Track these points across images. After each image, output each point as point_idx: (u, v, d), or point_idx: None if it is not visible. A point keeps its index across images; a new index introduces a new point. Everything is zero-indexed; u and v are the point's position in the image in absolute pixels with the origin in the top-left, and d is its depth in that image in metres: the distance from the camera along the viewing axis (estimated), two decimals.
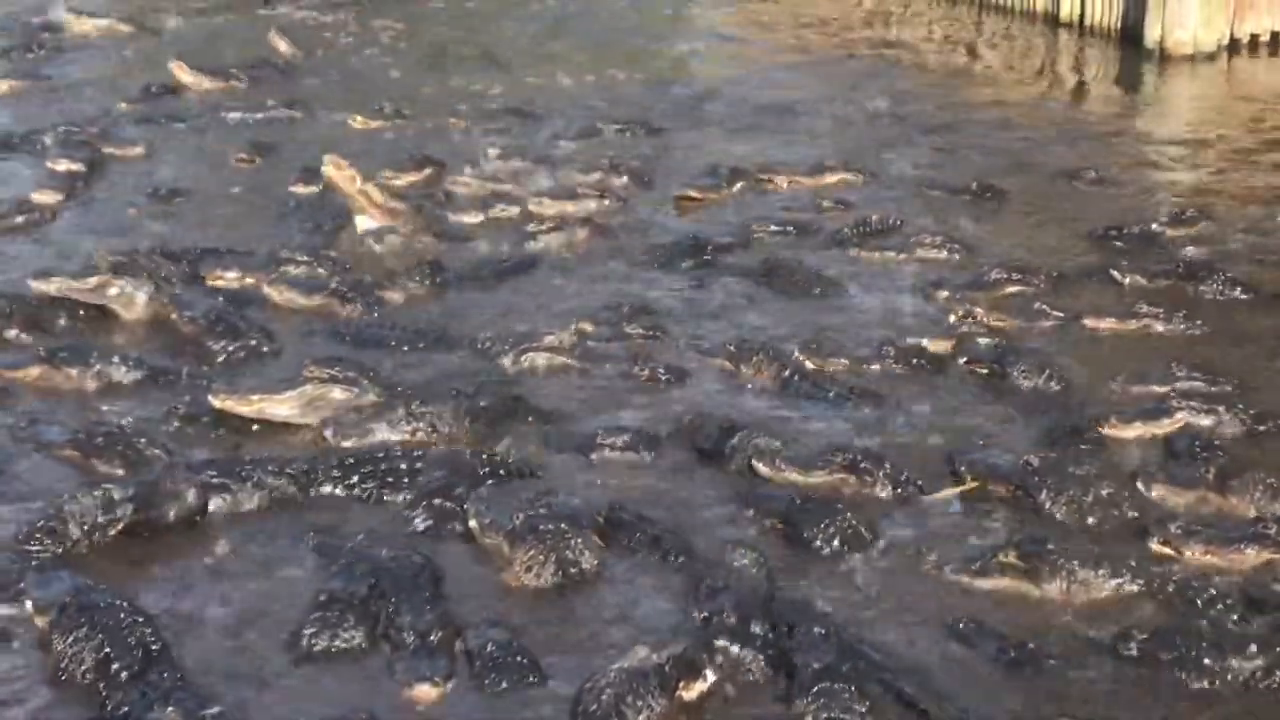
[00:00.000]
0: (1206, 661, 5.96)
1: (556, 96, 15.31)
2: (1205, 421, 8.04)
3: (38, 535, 6.56)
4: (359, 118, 13.95)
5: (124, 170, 12.54)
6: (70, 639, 5.77)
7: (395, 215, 10.80)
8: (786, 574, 6.58)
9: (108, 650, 5.69)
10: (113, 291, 9.17)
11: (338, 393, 7.81)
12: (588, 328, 9.19)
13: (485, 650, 5.87)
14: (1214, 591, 6.45)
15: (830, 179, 12.48)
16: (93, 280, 9.19)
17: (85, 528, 6.60)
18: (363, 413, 7.74)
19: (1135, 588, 6.52)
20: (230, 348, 8.73)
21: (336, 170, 10.54)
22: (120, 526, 6.67)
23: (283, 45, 16.78)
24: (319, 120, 14.18)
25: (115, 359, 8.33)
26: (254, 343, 8.82)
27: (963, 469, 7.44)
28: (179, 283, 9.64)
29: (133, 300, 9.17)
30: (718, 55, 18.03)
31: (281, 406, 7.78)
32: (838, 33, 19.10)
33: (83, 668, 5.71)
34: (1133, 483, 7.40)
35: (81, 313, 9.12)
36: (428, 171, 12.26)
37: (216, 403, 7.75)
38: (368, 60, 17.08)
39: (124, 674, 5.63)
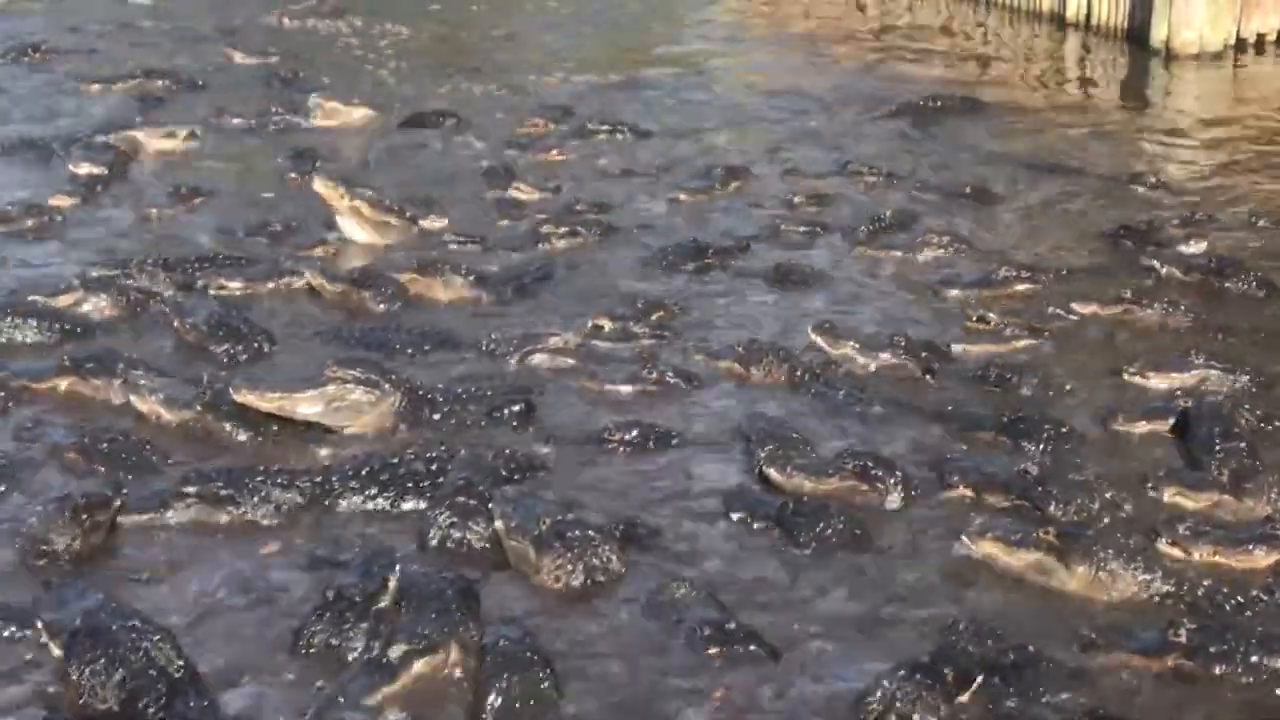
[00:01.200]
0: (1249, 662, 5.92)
1: (554, 98, 15.33)
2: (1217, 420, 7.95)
3: (36, 562, 6.53)
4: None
5: (145, 174, 12.60)
6: (88, 669, 5.46)
7: (385, 228, 10.93)
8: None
9: (130, 682, 5.37)
10: (86, 307, 9.34)
11: (359, 394, 7.82)
12: (604, 324, 9.23)
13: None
14: (1242, 597, 6.41)
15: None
16: (66, 298, 9.37)
17: (65, 534, 6.60)
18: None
19: (1166, 588, 6.47)
20: (233, 351, 8.75)
21: (327, 189, 10.90)
22: (87, 517, 6.68)
23: (236, 56, 16.92)
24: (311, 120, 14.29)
25: (140, 368, 8.30)
26: (257, 345, 8.84)
27: (954, 478, 7.38)
28: (178, 289, 9.70)
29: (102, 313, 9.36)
30: (721, 55, 18.04)
31: (302, 405, 7.78)
32: (842, 34, 19.09)
33: (105, 703, 5.40)
34: (1143, 486, 7.34)
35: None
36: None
37: (238, 398, 7.75)
38: (365, 63, 17.11)
39: (150, 708, 5.35)
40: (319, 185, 10.94)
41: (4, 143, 13.18)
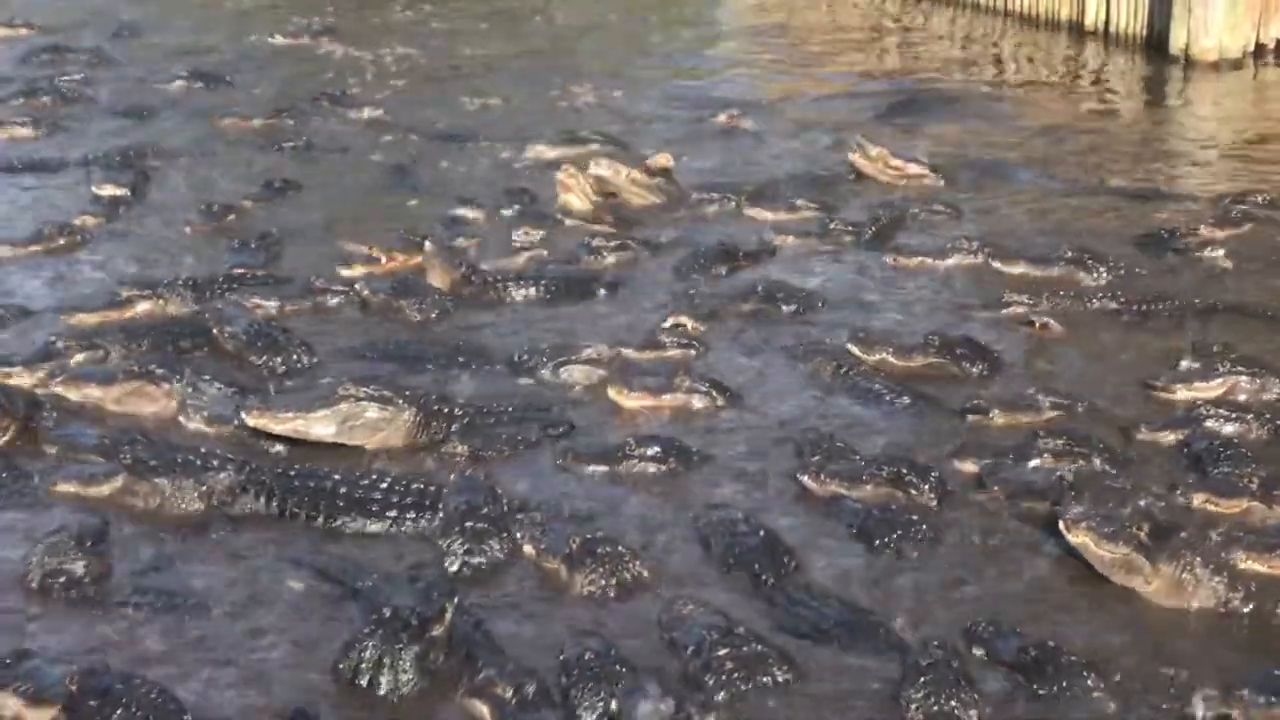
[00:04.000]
0: None
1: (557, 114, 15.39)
2: (1237, 429, 8.00)
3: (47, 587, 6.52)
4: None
5: (167, 190, 12.70)
6: None
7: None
8: None
9: None
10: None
11: (373, 411, 7.77)
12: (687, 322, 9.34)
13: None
14: None
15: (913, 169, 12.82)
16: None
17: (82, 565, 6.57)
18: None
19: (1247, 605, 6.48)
20: (271, 363, 8.82)
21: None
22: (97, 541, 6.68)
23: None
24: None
25: (206, 375, 8.38)
26: (294, 358, 8.90)
27: (995, 488, 7.43)
28: (220, 301, 9.82)
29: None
30: (733, 64, 18.11)
31: (316, 425, 7.74)
32: (860, 46, 19.13)
33: None
34: (1171, 492, 7.32)
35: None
36: None
37: (250, 420, 7.73)
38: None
39: None
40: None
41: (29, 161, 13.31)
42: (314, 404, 7.80)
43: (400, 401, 7.80)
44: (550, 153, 13.40)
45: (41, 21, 19.68)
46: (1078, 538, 6.66)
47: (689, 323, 9.43)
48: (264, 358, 8.86)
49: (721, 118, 14.68)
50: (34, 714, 5.43)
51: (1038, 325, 9.47)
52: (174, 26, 20.10)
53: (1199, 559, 6.50)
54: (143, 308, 9.65)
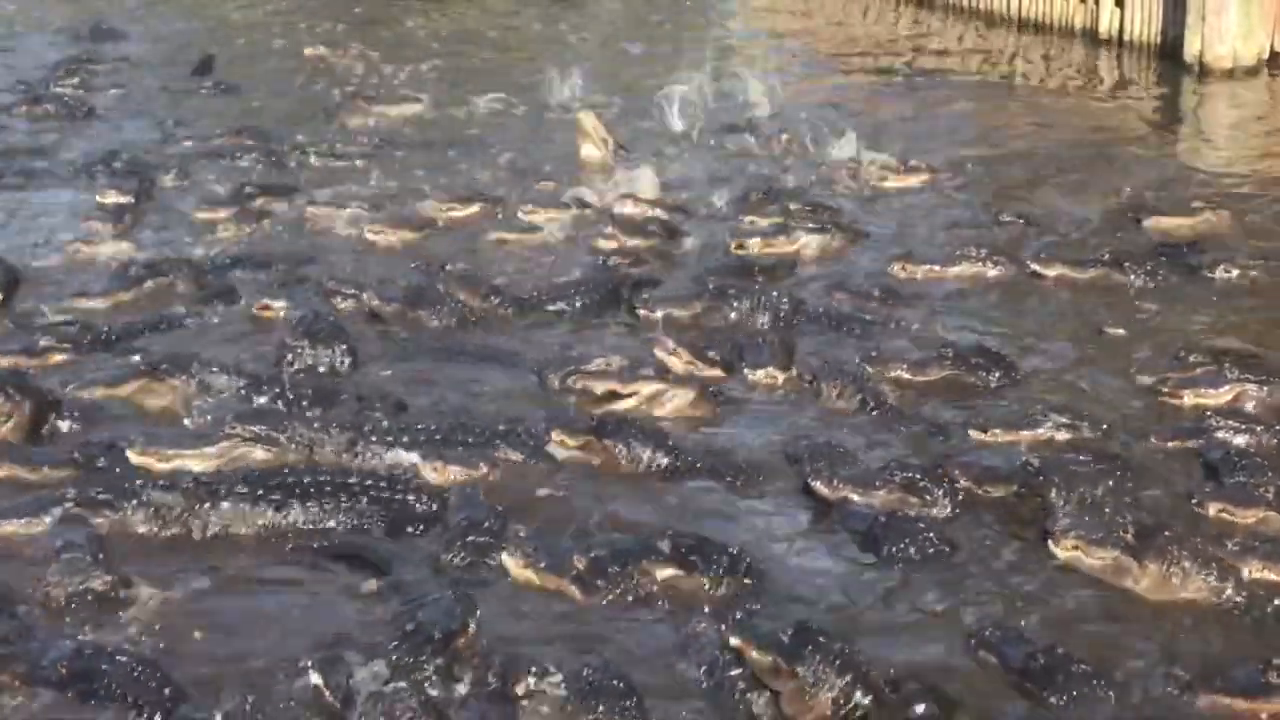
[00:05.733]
0: None
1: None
2: (1248, 438, 7.95)
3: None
4: None
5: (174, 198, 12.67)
6: None
7: None
8: None
9: None
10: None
11: (259, 452, 7.59)
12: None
13: None
14: None
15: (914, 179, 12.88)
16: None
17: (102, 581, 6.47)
18: None
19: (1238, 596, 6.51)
20: (309, 355, 8.82)
21: None
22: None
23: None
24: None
25: (215, 368, 8.41)
26: (330, 355, 8.86)
27: (955, 471, 7.45)
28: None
29: None
30: (744, 79, 18.08)
31: (200, 464, 7.50)
32: (872, 53, 19.13)
33: None
34: (1188, 500, 7.33)
35: None
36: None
37: (133, 456, 7.54)
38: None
39: None
40: None
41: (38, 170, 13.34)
42: (198, 442, 7.67)
43: (286, 442, 7.64)
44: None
45: (43, 25, 19.81)
46: (1066, 550, 6.73)
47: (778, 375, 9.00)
48: (302, 348, 8.85)
49: (775, 144, 14.35)
50: None
51: (1097, 331, 9.50)
52: (176, 32, 20.20)
53: (1186, 554, 6.54)
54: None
